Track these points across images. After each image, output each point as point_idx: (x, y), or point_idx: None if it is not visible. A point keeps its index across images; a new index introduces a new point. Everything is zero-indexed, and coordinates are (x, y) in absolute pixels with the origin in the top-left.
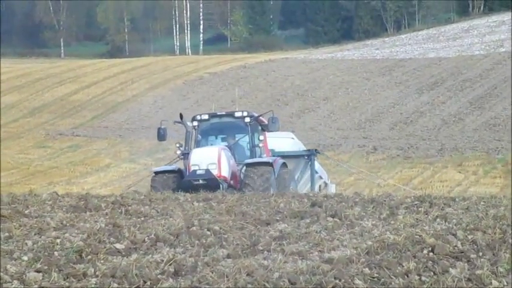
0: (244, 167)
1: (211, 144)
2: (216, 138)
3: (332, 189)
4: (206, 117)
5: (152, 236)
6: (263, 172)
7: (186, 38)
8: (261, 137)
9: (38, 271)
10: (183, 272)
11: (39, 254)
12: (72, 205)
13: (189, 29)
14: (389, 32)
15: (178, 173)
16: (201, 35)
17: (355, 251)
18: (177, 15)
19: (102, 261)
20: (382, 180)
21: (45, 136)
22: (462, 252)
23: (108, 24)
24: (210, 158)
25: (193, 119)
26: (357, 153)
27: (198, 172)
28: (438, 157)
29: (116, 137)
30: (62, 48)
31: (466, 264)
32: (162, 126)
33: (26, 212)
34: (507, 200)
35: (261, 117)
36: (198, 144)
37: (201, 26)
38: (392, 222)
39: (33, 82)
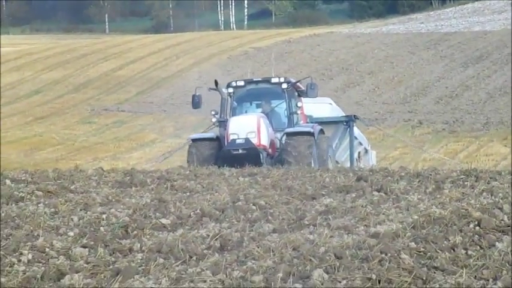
0: (284, 136)
1: (247, 112)
2: (252, 105)
3: (372, 156)
4: (242, 83)
5: (198, 211)
6: (304, 142)
7: (230, 13)
8: (299, 104)
9: (84, 246)
10: (229, 247)
11: (85, 230)
12: (117, 180)
13: (233, 4)
14: (434, 6)
15: (217, 140)
16: (246, 10)
17: (401, 226)
18: None
19: (148, 237)
20: (428, 154)
21: (90, 112)
22: (508, 226)
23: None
24: (249, 126)
25: (229, 86)
26: (403, 127)
27: (238, 141)
28: (484, 131)
29: (160, 112)
30: (107, 23)
31: None
32: (197, 93)
33: (72, 187)
34: None
35: (298, 83)
36: (233, 112)
37: (246, 1)
38: (438, 196)
39: (78, 58)
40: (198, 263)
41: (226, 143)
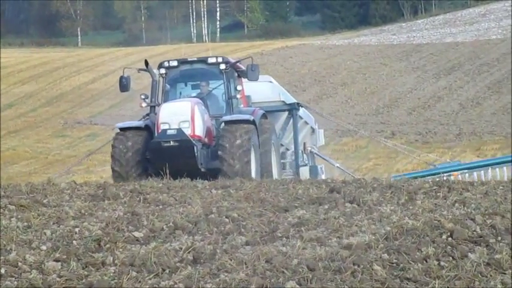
0: (222, 124)
1: (181, 95)
2: (186, 87)
3: (320, 135)
4: (175, 63)
5: (171, 224)
6: (243, 132)
7: (203, 26)
8: (239, 87)
9: (56, 260)
10: (201, 260)
11: (58, 244)
12: (90, 194)
13: (205, 16)
14: (406, 17)
15: (146, 130)
16: (218, 23)
17: (373, 237)
18: (193, 2)
19: (120, 250)
20: (401, 165)
21: (63, 125)
22: (481, 237)
23: (124, 13)
24: (182, 114)
25: (161, 66)
26: (374, 141)
27: (169, 132)
28: (456, 142)
29: None
30: (79, 37)
31: (484, 249)
32: (125, 75)
33: (45, 201)
34: None
35: (238, 64)
36: (166, 96)
37: (218, 14)
38: (410, 207)
39: (51, 71)
40: (171, 276)
41: (156, 134)
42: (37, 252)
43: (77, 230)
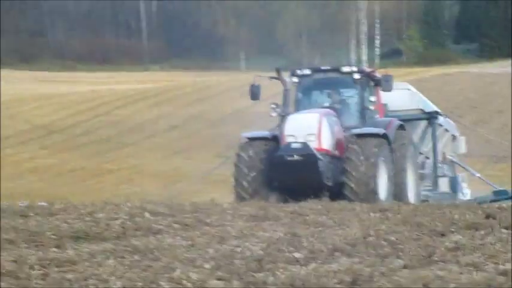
0: (352, 137)
1: (314, 104)
2: (320, 96)
3: (462, 143)
4: (308, 72)
5: (330, 245)
6: (372, 147)
7: (362, 52)
8: (372, 98)
9: (219, 279)
10: (359, 282)
11: (220, 262)
12: (251, 214)
13: (366, 43)
14: None
15: (274, 141)
16: (377, 49)
17: None
18: (354, 30)
19: (281, 270)
20: None
21: (225, 146)
22: None
23: (286, 38)
24: (309, 127)
25: (293, 74)
26: None
27: (293, 145)
28: None
29: None
30: (242, 61)
31: None
32: (256, 84)
33: (208, 220)
34: None
35: (373, 73)
36: (297, 104)
37: (377, 41)
38: None
39: (215, 95)
40: None
41: (280, 146)
42: (200, 271)
43: (238, 249)
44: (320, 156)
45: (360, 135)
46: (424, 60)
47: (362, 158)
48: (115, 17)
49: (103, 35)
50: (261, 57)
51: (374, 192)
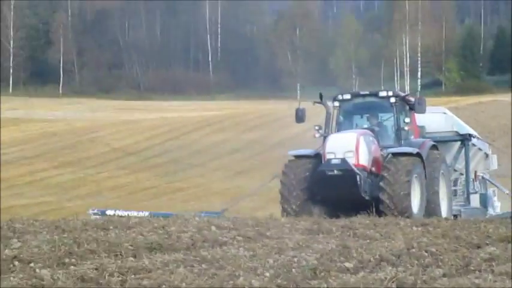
0: (389, 155)
1: (353, 126)
2: (361, 119)
3: (493, 160)
4: (348, 97)
5: (377, 256)
6: (405, 165)
7: (405, 83)
8: (407, 120)
9: (278, 286)
10: None
11: (279, 271)
12: (307, 228)
13: (408, 75)
14: None
15: (317, 158)
16: (419, 80)
17: None
18: (398, 63)
19: (333, 278)
20: None
21: (282, 167)
22: None
23: (339, 70)
24: (347, 145)
25: (335, 99)
26: None
27: (333, 161)
28: None
29: None
30: (298, 91)
31: None
32: (301, 107)
33: (268, 233)
34: None
35: (408, 97)
36: (339, 126)
37: (419, 73)
38: None
39: (274, 121)
40: None
41: (322, 163)
42: (261, 278)
43: (295, 259)
44: (358, 171)
45: (395, 154)
46: (461, 90)
47: (396, 176)
48: (185, 51)
49: (174, 67)
50: (315, 88)
51: (408, 208)
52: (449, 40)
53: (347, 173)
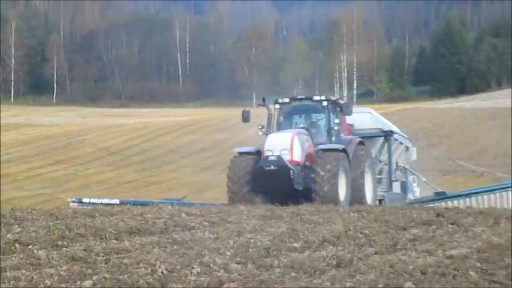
0: (319, 151)
1: (291, 125)
2: (299, 119)
3: (413, 152)
4: (287, 100)
5: (320, 237)
6: (333, 159)
7: (343, 92)
8: (337, 120)
9: (237, 263)
10: (342, 265)
11: (238, 251)
12: (262, 214)
13: (346, 86)
14: (492, 88)
15: (258, 154)
16: (355, 91)
17: (469, 250)
18: (337, 76)
19: (284, 256)
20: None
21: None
22: None
23: (288, 83)
24: (283, 143)
25: (276, 102)
26: (468, 177)
27: (270, 158)
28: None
29: None
30: (254, 100)
31: None
32: (246, 109)
33: (229, 219)
34: None
35: (338, 101)
36: (279, 126)
37: (355, 84)
38: (496, 228)
39: (234, 125)
40: (320, 276)
41: (261, 159)
42: (223, 257)
43: (252, 241)
44: (291, 167)
45: (325, 150)
46: (390, 99)
47: (325, 168)
48: (159, 67)
49: (150, 80)
50: (268, 97)
51: (335, 196)
52: (380, 57)
53: (282, 168)
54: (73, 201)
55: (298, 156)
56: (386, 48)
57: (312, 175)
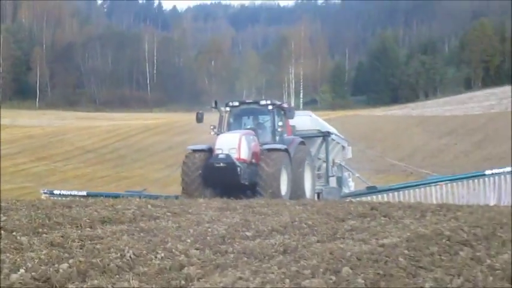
0: (264, 151)
1: (240, 127)
2: (247, 121)
3: (348, 151)
4: (237, 103)
5: (269, 227)
6: (276, 157)
7: (291, 101)
8: (280, 123)
9: (196, 249)
10: (289, 251)
11: (198, 238)
12: (218, 207)
13: (293, 95)
14: (420, 99)
15: (209, 152)
16: (301, 99)
17: (399, 239)
18: (286, 86)
19: (237, 243)
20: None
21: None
22: (467, 241)
23: (242, 91)
24: (232, 143)
25: (227, 105)
26: (399, 175)
27: (220, 156)
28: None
29: None
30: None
31: (469, 248)
32: (200, 111)
33: (190, 210)
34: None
35: (282, 105)
36: (229, 126)
37: (301, 94)
38: (422, 220)
39: (195, 127)
40: (269, 261)
41: (212, 156)
42: (184, 243)
43: (209, 229)
44: (238, 164)
45: (269, 149)
46: (332, 107)
47: (268, 166)
48: (129, 75)
49: (121, 87)
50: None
51: (277, 190)
52: (323, 70)
53: (230, 165)
54: (45, 193)
55: (245, 154)
56: (329, 63)
57: (258, 172)
